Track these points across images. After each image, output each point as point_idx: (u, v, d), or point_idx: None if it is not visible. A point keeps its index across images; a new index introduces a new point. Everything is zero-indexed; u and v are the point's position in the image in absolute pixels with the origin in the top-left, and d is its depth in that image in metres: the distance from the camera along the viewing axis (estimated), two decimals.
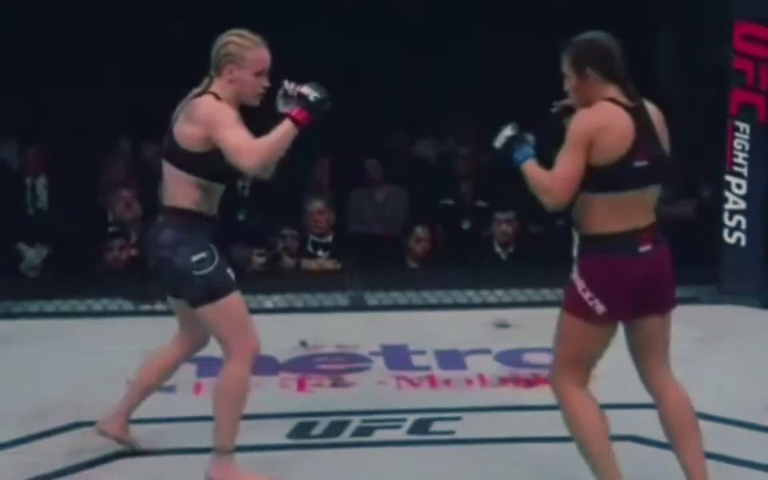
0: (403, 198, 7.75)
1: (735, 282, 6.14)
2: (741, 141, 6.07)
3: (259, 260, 6.90)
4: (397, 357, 5.31)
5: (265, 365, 5.15)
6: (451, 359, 5.22)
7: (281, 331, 5.64)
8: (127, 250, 6.76)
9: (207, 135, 3.68)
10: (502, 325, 5.78)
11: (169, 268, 3.77)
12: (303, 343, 5.47)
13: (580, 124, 3.38)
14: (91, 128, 7.76)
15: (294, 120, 3.67)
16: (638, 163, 3.37)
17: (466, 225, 7.54)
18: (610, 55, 3.44)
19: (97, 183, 7.58)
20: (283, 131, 3.67)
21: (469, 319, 5.89)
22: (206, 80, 3.80)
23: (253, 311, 6.06)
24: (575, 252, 3.52)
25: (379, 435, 4.30)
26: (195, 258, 3.74)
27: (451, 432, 4.31)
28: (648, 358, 3.59)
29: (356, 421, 4.39)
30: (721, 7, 6.12)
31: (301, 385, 4.94)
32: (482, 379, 4.98)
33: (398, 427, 4.35)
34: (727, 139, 6.11)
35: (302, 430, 4.34)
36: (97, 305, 6.19)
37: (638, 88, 3.48)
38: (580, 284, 3.42)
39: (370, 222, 7.66)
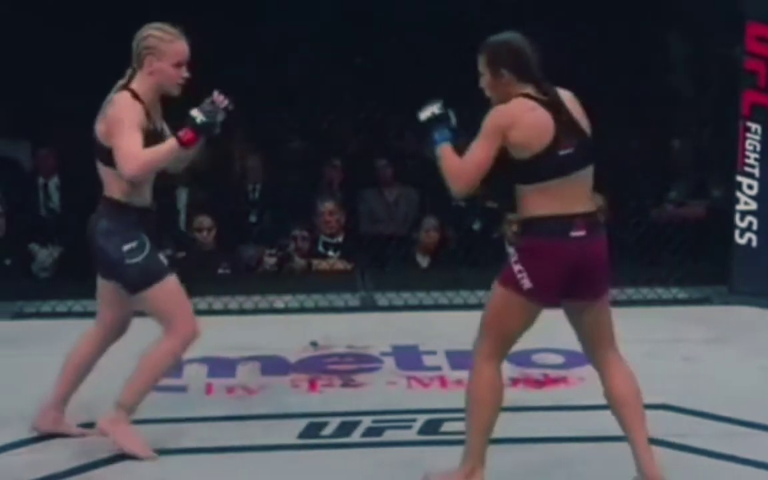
0: (414, 198, 7.74)
1: (746, 282, 6.12)
2: (752, 142, 6.04)
3: (270, 261, 6.90)
4: (407, 357, 5.29)
5: (276, 366, 5.16)
6: (462, 359, 5.16)
7: (292, 332, 5.64)
8: None
9: (110, 131, 3.86)
10: None
11: (104, 256, 3.96)
12: (314, 344, 5.46)
13: (493, 117, 3.51)
14: None
15: (179, 140, 3.84)
16: (563, 152, 3.49)
17: (476, 225, 7.52)
18: (523, 57, 3.56)
19: None
20: (167, 148, 3.86)
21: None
22: (128, 72, 3.97)
23: (264, 311, 6.16)
24: None
25: (389, 435, 4.29)
26: (126, 247, 3.92)
27: (462, 432, 4.28)
28: (592, 344, 3.72)
29: (367, 422, 4.37)
30: (733, 8, 6.09)
31: (311, 386, 4.93)
32: None
33: (409, 427, 4.34)
34: (738, 140, 6.08)
35: (313, 430, 4.33)
36: None
37: (554, 85, 3.58)
38: (513, 258, 3.55)
39: (381, 222, 7.65)
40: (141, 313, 6.03)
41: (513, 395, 4.75)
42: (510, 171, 3.53)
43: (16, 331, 5.84)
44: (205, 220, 6.92)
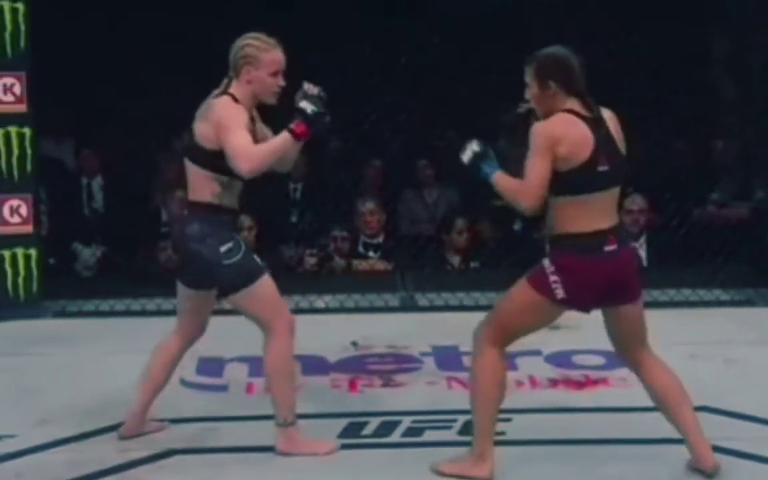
0: (454, 198, 7.72)
1: None
2: None
3: (310, 260, 6.91)
4: (447, 357, 5.27)
5: (317, 365, 5.16)
6: None
7: (332, 332, 5.64)
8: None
9: (216, 135, 3.88)
10: (553, 326, 5.70)
11: (199, 260, 3.95)
12: (354, 344, 5.46)
13: (541, 132, 3.60)
14: (147, 129, 7.81)
15: (292, 133, 3.87)
16: (601, 168, 3.59)
17: (517, 226, 7.49)
18: (571, 71, 3.65)
19: (152, 183, 7.63)
20: (281, 141, 3.90)
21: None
22: (225, 81, 4.01)
23: (304, 311, 6.17)
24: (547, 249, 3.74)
25: (429, 435, 4.27)
26: (223, 248, 3.93)
27: (502, 433, 4.26)
28: (628, 344, 3.82)
29: (407, 422, 4.36)
30: None
31: (351, 386, 4.93)
32: (532, 381, 4.93)
33: (449, 427, 4.32)
34: None
35: (353, 430, 4.32)
36: (151, 305, 6.23)
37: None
38: (550, 269, 3.64)
39: (422, 222, 7.64)
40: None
41: (553, 396, 4.73)
42: (551, 182, 3.62)
43: (59, 330, 5.89)
44: (245, 220, 6.94)
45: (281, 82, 3.98)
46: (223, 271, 3.92)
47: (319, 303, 6.21)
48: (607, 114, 3.70)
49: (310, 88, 3.90)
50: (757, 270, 6.24)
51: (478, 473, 3.77)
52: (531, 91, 3.70)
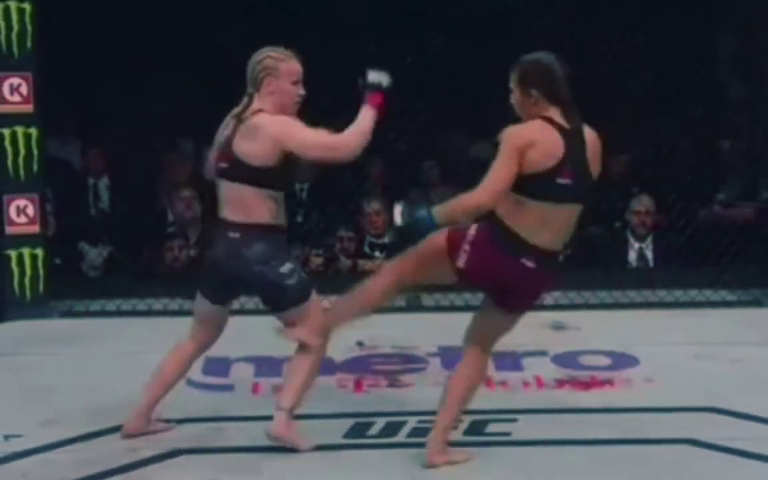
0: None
1: None
2: None
3: (316, 261, 6.91)
4: (453, 358, 5.24)
5: (322, 366, 5.15)
6: (508, 361, 5.18)
7: (338, 332, 5.63)
8: (187, 250, 6.81)
9: (279, 149, 3.92)
10: (559, 326, 5.73)
11: (261, 281, 4.02)
12: (359, 344, 5.47)
13: (512, 137, 3.61)
14: (153, 130, 7.82)
15: (373, 105, 4.01)
16: (561, 180, 3.60)
17: None
18: (554, 79, 3.66)
19: (158, 184, 7.63)
20: (367, 118, 4.01)
21: (526, 320, 5.80)
22: (245, 100, 4.04)
23: None
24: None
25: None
26: (283, 270, 4.01)
27: (507, 433, 4.28)
28: (482, 338, 3.96)
29: (412, 422, 4.37)
30: None
31: (357, 386, 4.93)
32: (538, 381, 4.93)
33: (454, 428, 4.31)
34: None
35: (359, 430, 4.33)
36: (158, 304, 6.24)
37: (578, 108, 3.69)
38: (471, 236, 3.71)
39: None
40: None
41: (559, 397, 4.73)
42: (515, 181, 3.65)
43: (65, 330, 5.90)
44: None
45: (302, 90, 4.04)
46: (284, 290, 4.01)
47: (325, 303, 6.21)
48: (589, 133, 3.72)
49: (372, 72, 4.03)
50: (764, 270, 6.23)
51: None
52: (514, 97, 3.72)
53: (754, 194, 7.52)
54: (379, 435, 4.29)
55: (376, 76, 4.02)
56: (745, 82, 8.00)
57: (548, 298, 6.24)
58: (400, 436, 4.25)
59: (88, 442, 4.20)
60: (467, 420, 4.38)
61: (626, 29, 7.30)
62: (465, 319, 5.96)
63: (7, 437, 4.24)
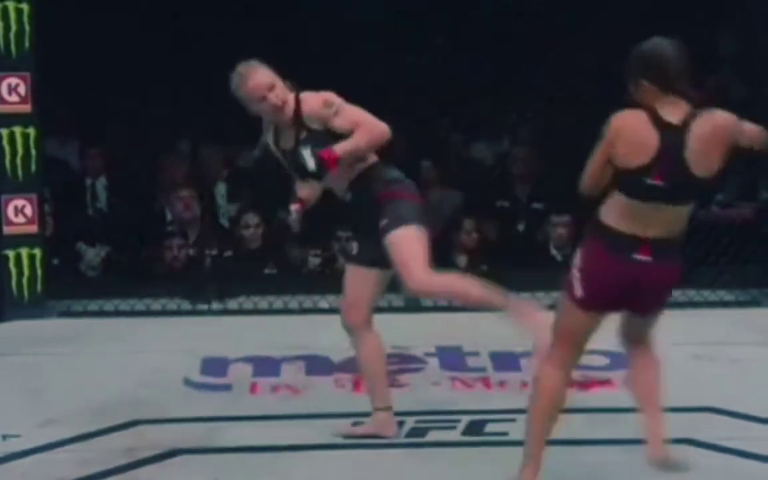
0: (458, 200, 7.72)
1: None
2: None
3: (314, 261, 6.91)
4: (451, 358, 5.28)
5: (321, 365, 5.17)
6: (506, 361, 5.18)
7: (336, 332, 5.63)
8: (186, 250, 6.82)
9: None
10: None
11: None
12: None
13: (607, 125, 3.41)
14: (151, 130, 7.82)
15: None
16: (650, 181, 3.35)
17: (521, 227, 7.49)
18: (665, 68, 3.37)
19: (156, 184, 7.64)
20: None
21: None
22: None
23: (309, 311, 6.18)
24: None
25: (433, 436, 4.28)
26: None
27: (505, 433, 4.28)
28: (630, 331, 3.75)
29: (410, 422, 4.37)
30: None
31: (356, 386, 4.93)
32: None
33: (452, 428, 4.33)
34: None
35: None
36: (156, 304, 6.25)
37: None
38: (578, 263, 3.52)
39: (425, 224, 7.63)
40: (199, 313, 6.09)
41: None
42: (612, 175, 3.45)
43: (63, 330, 5.90)
44: (252, 218, 6.96)
45: (272, 100, 4.01)
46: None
47: (324, 303, 6.22)
48: (705, 124, 3.39)
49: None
50: (762, 270, 6.24)
51: None
52: (631, 87, 3.45)
53: (753, 195, 7.53)
54: (408, 434, 4.28)
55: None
56: (745, 82, 8.01)
57: (547, 299, 6.27)
58: (399, 436, 4.25)
59: (87, 442, 4.21)
60: (465, 420, 4.39)
61: (627, 30, 7.31)
62: (463, 319, 6.00)
63: (5, 437, 4.24)
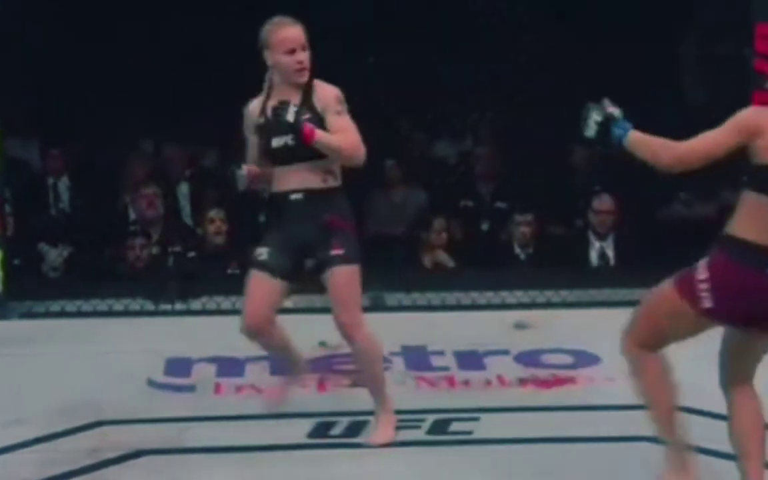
0: (422, 199, 7.74)
1: None
2: None
3: None
4: (416, 357, 5.29)
5: (285, 365, 5.16)
6: (470, 360, 5.20)
7: (301, 332, 5.63)
8: (149, 249, 6.78)
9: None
10: (521, 325, 5.76)
11: None
12: (323, 344, 5.46)
13: (744, 111, 3.29)
14: (113, 129, 7.78)
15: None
16: None
17: (485, 226, 7.52)
18: None
19: (119, 183, 7.60)
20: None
21: (488, 319, 5.88)
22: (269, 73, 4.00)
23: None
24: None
25: (398, 435, 4.28)
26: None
27: (470, 432, 4.30)
28: (743, 366, 3.49)
29: (375, 422, 4.37)
30: (742, 9, 6.08)
31: (320, 385, 4.93)
32: (501, 380, 4.95)
33: (417, 427, 4.34)
34: None
35: (322, 429, 4.33)
36: (118, 305, 6.21)
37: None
38: (703, 274, 3.32)
39: (389, 223, 7.65)
40: (162, 313, 6.06)
41: (522, 395, 4.76)
42: (746, 173, 3.30)
43: (25, 331, 5.86)
44: (217, 213, 6.94)
45: (300, 57, 3.92)
46: None
47: (288, 303, 6.20)
48: None
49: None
50: None
51: None
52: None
53: (715, 193, 7.60)
54: (343, 434, 4.29)
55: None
56: (704, 85, 8.09)
57: (510, 298, 6.30)
58: (364, 436, 4.26)
59: (51, 443, 4.18)
60: (430, 419, 4.40)
61: (590, 33, 7.37)
62: (427, 318, 6.02)
63: None
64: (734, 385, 3.52)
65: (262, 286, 4.04)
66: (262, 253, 4.03)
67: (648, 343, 3.45)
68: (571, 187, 7.64)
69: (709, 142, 3.30)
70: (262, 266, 4.04)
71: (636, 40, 7.43)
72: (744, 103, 6.04)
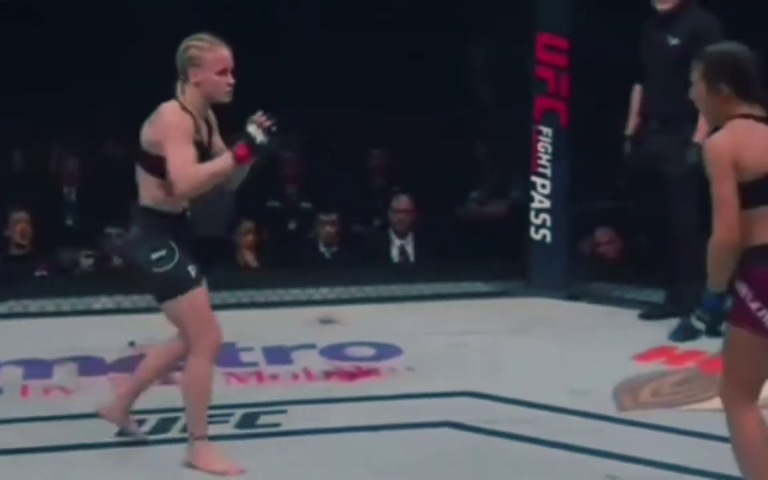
0: (231, 199, 7.66)
1: (542, 276, 6.29)
2: (544, 144, 6.22)
3: (86, 262, 6.71)
4: (225, 354, 5.17)
5: (94, 366, 5.04)
6: (278, 355, 5.20)
7: (110, 333, 5.51)
8: None
9: (161, 141, 3.70)
10: (327, 321, 5.80)
11: (134, 265, 3.82)
12: (131, 344, 5.35)
13: (719, 150, 3.07)
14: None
15: (235, 156, 3.71)
16: None
17: (292, 225, 7.53)
18: (747, 72, 3.14)
19: None
20: (221, 164, 3.73)
21: (295, 316, 5.88)
22: (177, 86, 3.80)
23: (82, 313, 6.00)
24: None
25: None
26: (154, 256, 3.75)
27: (277, 424, 4.29)
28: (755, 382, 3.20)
29: (185, 417, 4.31)
30: (526, 18, 6.27)
31: None
32: (308, 373, 4.97)
33: (226, 421, 4.30)
34: (531, 143, 6.27)
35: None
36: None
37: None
38: (747, 294, 3.08)
39: (200, 223, 7.54)
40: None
41: (325, 388, 4.79)
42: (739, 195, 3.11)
43: None
44: (22, 215, 6.69)
45: (231, 79, 3.78)
46: (152, 278, 3.76)
47: (97, 305, 6.06)
48: None
49: (262, 119, 3.73)
50: (513, 263, 6.48)
51: None
52: (697, 90, 3.17)
53: (504, 192, 7.83)
54: (153, 431, 4.21)
55: (254, 130, 3.70)
56: (494, 88, 8.32)
57: (316, 294, 6.32)
58: (174, 432, 4.19)
59: None
60: (238, 413, 4.37)
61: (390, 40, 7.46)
62: (236, 316, 5.95)
63: None
64: (750, 398, 3.20)
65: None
66: (192, 269, 3.82)
67: (745, 388, 3.13)
68: (371, 188, 7.74)
69: (730, 202, 3.07)
70: (199, 281, 3.84)
71: (425, 45, 7.58)
72: (527, 106, 6.29)
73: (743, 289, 3.09)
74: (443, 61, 7.68)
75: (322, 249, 6.95)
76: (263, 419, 4.35)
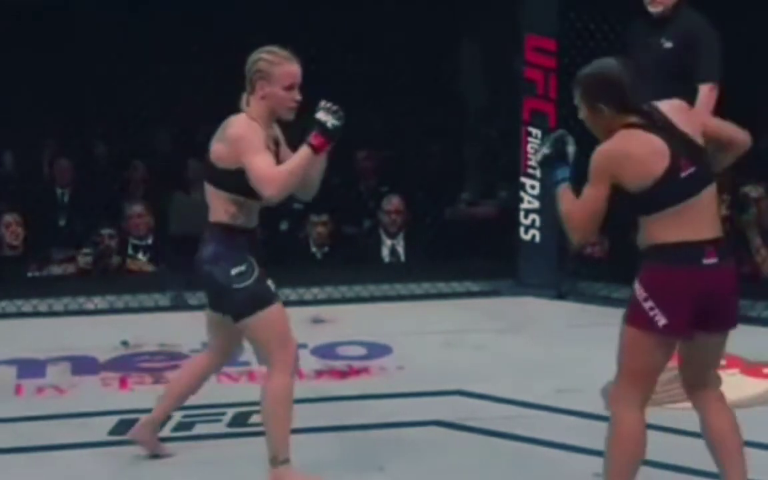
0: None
1: (531, 275, 6.31)
2: (533, 145, 6.23)
3: (85, 259, 6.68)
4: None
5: (87, 365, 5.04)
6: None
7: (103, 332, 5.51)
8: None
9: (235, 154, 3.62)
10: (318, 320, 5.80)
11: (211, 282, 3.71)
12: (124, 343, 5.35)
13: (599, 160, 3.17)
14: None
15: (311, 146, 3.61)
16: (684, 173, 3.13)
17: (283, 226, 7.53)
18: (621, 87, 3.18)
19: None
20: (301, 157, 3.62)
21: (289, 315, 5.86)
22: (243, 97, 3.73)
23: (74, 313, 5.99)
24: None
25: (199, 428, 4.25)
26: (234, 271, 3.67)
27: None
28: (696, 371, 3.32)
29: (177, 416, 4.30)
30: (514, 21, 6.29)
31: (122, 384, 4.83)
32: (299, 373, 4.94)
33: (219, 420, 4.31)
34: (521, 144, 6.28)
35: (124, 427, 4.22)
36: None
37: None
38: (641, 294, 3.17)
39: (190, 223, 7.54)
40: None
41: (318, 387, 4.79)
42: (630, 204, 3.18)
43: None
44: (13, 216, 6.68)
45: (297, 96, 3.68)
46: (232, 294, 3.66)
47: (89, 305, 6.06)
48: (672, 106, 3.22)
49: (329, 104, 3.63)
50: (503, 262, 6.49)
51: None
52: (582, 113, 3.25)
53: (494, 193, 7.85)
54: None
55: (324, 116, 3.57)
56: (483, 90, 8.33)
57: (308, 294, 6.32)
58: (166, 431, 4.18)
59: None
60: (231, 412, 4.37)
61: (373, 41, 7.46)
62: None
63: None
64: (697, 391, 3.33)
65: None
66: (270, 284, 3.76)
67: (635, 388, 3.20)
68: (362, 189, 7.74)
69: (593, 206, 3.19)
70: (278, 296, 3.79)
71: (415, 46, 7.59)
72: (516, 107, 6.30)
73: (638, 289, 3.17)
74: (433, 62, 7.69)
75: (314, 249, 6.95)
76: (255, 418, 4.33)
